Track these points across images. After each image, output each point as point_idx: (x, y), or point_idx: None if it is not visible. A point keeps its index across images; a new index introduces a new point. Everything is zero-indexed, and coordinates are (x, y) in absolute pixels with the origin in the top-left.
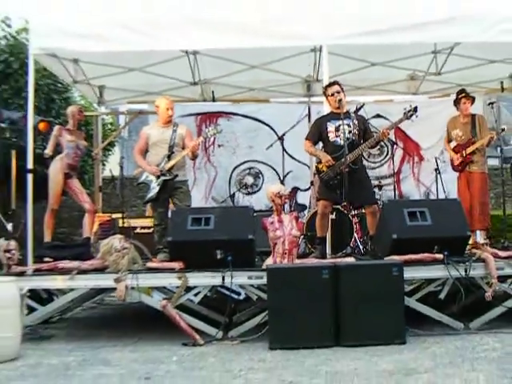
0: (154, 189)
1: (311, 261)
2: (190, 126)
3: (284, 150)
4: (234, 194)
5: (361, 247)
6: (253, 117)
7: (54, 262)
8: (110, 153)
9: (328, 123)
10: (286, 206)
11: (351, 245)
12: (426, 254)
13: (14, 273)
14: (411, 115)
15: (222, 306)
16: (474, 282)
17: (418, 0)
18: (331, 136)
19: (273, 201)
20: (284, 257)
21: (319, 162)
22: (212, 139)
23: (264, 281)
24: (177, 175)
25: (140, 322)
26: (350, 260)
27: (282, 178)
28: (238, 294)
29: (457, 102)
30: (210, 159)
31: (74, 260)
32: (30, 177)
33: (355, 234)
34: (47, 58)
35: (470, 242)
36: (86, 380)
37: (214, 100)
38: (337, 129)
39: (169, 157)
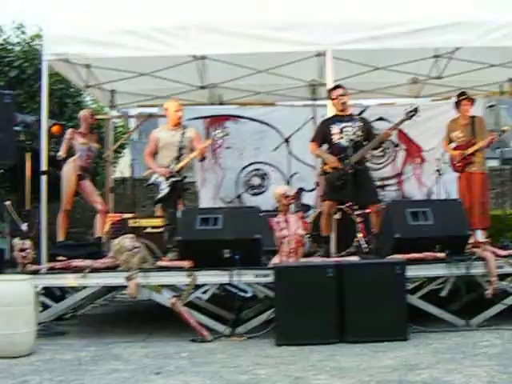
0: (164, 190)
1: (316, 259)
2: (198, 128)
3: (290, 151)
4: (241, 194)
5: (364, 246)
6: (259, 120)
7: (67, 261)
8: (121, 155)
9: (332, 125)
10: (292, 207)
11: (355, 244)
12: (427, 253)
13: (28, 271)
14: (412, 115)
15: (230, 303)
16: (474, 280)
17: (420, 6)
18: (335, 138)
19: (279, 201)
20: (290, 256)
21: (324, 163)
22: (220, 141)
23: (270, 279)
24: (186, 177)
25: (150, 319)
26: (354, 259)
27: (287, 179)
28: (245, 291)
29: (457, 104)
30: (217, 161)
31: (86, 259)
32: (43, 178)
33: (359, 234)
34: (60, 64)
35: (471, 241)
36: (98, 375)
37: (221, 103)
38: (341, 131)
39: (178, 159)
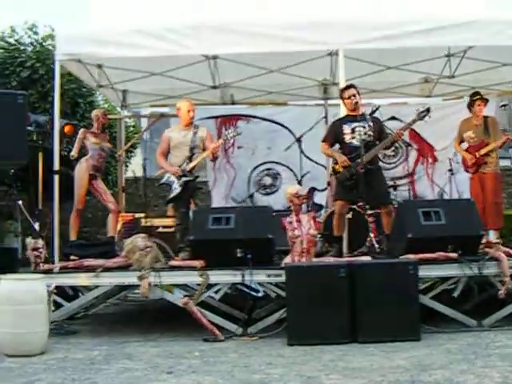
0: (176, 189)
1: (328, 259)
2: (210, 128)
3: (301, 151)
4: (252, 194)
5: (376, 246)
6: (271, 119)
7: (80, 260)
8: (133, 154)
9: (344, 125)
10: (304, 206)
11: (367, 244)
12: (440, 253)
13: (41, 270)
14: (424, 116)
15: (242, 303)
16: (487, 281)
17: (432, 5)
18: (347, 138)
19: (291, 201)
20: (302, 255)
21: (336, 162)
22: (231, 141)
23: (282, 279)
24: (198, 176)
25: (162, 319)
26: (366, 259)
27: (299, 179)
28: (257, 291)
29: (471, 104)
30: (229, 160)
31: (98, 258)
32: (56, 178)
33: (371, 234)
34: (72, 64)
35: (483, 241)
36: (110, 374)
37: (233, 103)
38: (352, 131)
39: (190, 158)
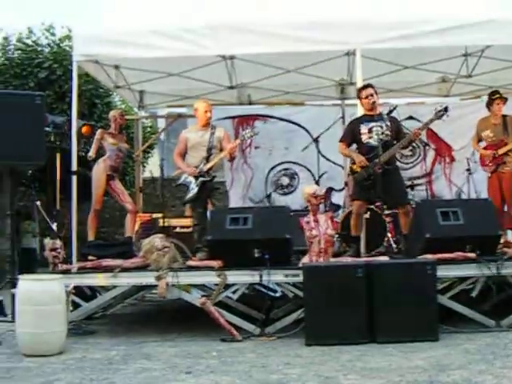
0: (193, 190)
1: (346, 259)
2: (227, 128)
3: (319, 151)
4: (270, 194)
5: (394, 246)
6: (288, 119)
7: (98, 260)
8: (150, 155)
9: (361, 125)
10: (321, 206)
11: (385, 244)
12: (458, 253)
13: (59, 270)
14: (442, 115)
15: (259, 303)
16: (505, 281)
17: (449, 4)
18: (364, 138)
19: (309, 201)
20: (320, 255)
21: (353, 162)
22: (249, 141)
23: (300, 279)
24: (215, 176)
25: (179, 319)
26: (384, 259)
27: (316, 179)
28: (275, 291)
29: (490, 104)
30: (246, 161)
31: (116, 258)
32: (73, 178)
33: (388, 234)
34: (90, 65)
35: (502, 241)
36: (128, 374)
37: (250, 103)
38: (370, 130)
39: (207, 159)
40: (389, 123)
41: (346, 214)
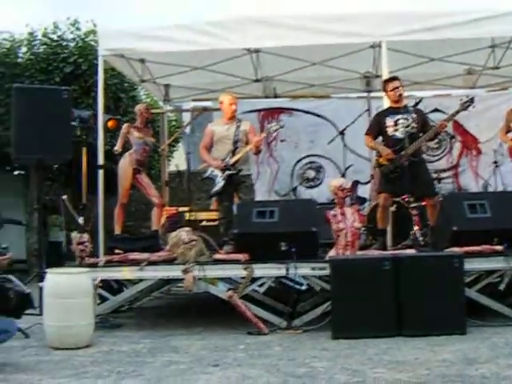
0: (220, 183)
1: (372, 252)
2: (253, 122)
3: (345, 144)
4: (295, 187)
5: (421, 239)
6: (314, 112)
7: (125, 254)
8: (175, 149)
9: (387, 118)
10: (347, 199)
11: (411, 237)
12: (485, 246)
13: (86, 264)
14: (468, 106)
15: (285, 296)
16: None
17: None
18: (390, 130)
19: (335, 194)
20: (346, 248)
21: (379, 155)
22: (274, 134)
23: (327, 272)
24: (241, 170)
25: (205, 312)
26: (411, 252)
27: (342, 172)
28: (301, 284)
29: None
30: (272, 154)
31: (143, 252)
32: (100, 172)
33: (415, 226)
34: (115, 59)
35: None
36: (156, 367)
37: (275, 96)
38: (395, 123)
39: (233, 152)
40: (415, 115)
41: (372, 207)
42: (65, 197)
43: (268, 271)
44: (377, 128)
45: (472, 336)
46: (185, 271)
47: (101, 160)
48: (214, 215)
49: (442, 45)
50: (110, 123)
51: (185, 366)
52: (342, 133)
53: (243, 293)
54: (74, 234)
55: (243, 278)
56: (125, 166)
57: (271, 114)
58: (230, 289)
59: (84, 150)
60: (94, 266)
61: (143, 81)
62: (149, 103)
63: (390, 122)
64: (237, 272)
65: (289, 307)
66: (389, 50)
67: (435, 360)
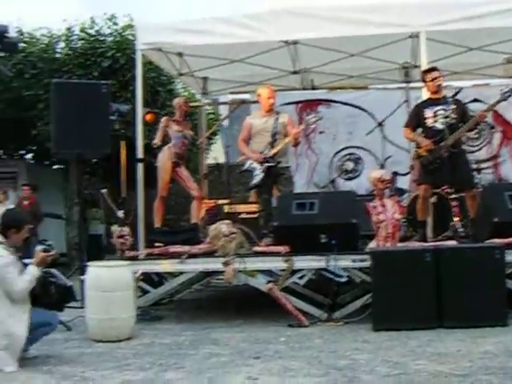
0: (259, 175)
1: (413, 244)
2: (291, 114)
3: (384, 135)
4: (334, 179)
5: (461, 230)
6: (352, 104)
7: (165, 247)
8: (213, 141)
9: (426, 109)
10: (387, 191)
11: (451, 228)
12: None
13: (127, 257)
14: (508, 96)
15: (325, 288)
16: None
17: None
18: (429, 122)
19: (375, 185)
20: (387, 240)
21: (419, 146)
22: (313, 126)
23: (367, 264)
24: (280, 162)
25: (245, 304)
26: (452, 243)
27: (381, 163)
28: (340, 276)
29: None
30: (311, 146)
31: (183, 245)
32: (139, 166)
33: (455, 218)
34: (153, 53)
35: None
36: (198, 359)
37: (313, 88)
38: (435, 114)
39: (272, 144)
40: (454, 106)
41: (412, 199)
42: (104, 190)
43: (308, 263)
44: (416, 120)
45: None
46: (225, 264)
47: (140, 153)
48: (252, 208)
49: (481, 34)
50: (148, 117)
51: (226, 358)
52: (380, 124)
53: (283, 285)
54: (115, 228)
55: (283, 270)
56: (164, 159)
57: (309, 105)
58: (269, 281)
59: (123, 143)
60: (134, 258)
61: (181, 74)
62: (187, 96)
63: (429, 113)
64: (277, 264)
65: (329, 299)
66: (427, 39)
67: (477, 352)
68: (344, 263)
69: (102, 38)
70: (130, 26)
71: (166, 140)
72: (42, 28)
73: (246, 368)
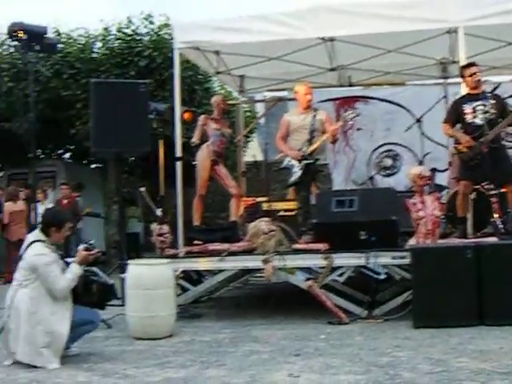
0: (297, 173)
1: (453, 241)
2: (329, 110)
3: (422, 132)
4: (372, 176)
5: (501, 227)
6: (389, 100)
7: (204, 245)
8: (250, 139)
9: (464, 105)
10: (426, 187)
11: (492, 225)
12: None
13: (167, 255)
14: None
15: (364, 285)
16: None
17: None
18: (469, 117)
19: (414, 182)
20: (427, 237)
21: (458, 143)
22: (351, 123)
23: (407, 261)
24: (318, 159)
25: (284, 302)
26: (493, 240)
27: (420, 160)
28: (379, 273)
29: None
30: (348, 143)
31: (221, 242)
32: (178, 164)
33: (495, 214)
34: (190, 51)
35: None
36: (238, 356)
37: (350, 85)
38: (474, 110)
39: (309, 141)
40: (493, 101)
41: (451, 195)
42: (143, 189)
43: (348, 260)
44: (455, 116)
45: None
46: (265, 261)
47: (179, 152)
48: (291, 205)
49: None
50: (185, 115)
51: (266, 355)
52: (419, 120)
53: (323, 282)
54: (154, 226)
55: (322, 267)
56: (203, 157)
57: (347, 102)
58: (308, 278)
59: (161, 142)
60: (174, 257)
61: (218, 72)
62: (224, 95)
63: (468, 108)
64: (316, 261)
65: (368, 297)
66: (465, 35)
67: None
68: (384, 260)
69: (138, 38)
70: (167, 25)
71: (204, 138)
72: (79, 28)
73: (286, 365)
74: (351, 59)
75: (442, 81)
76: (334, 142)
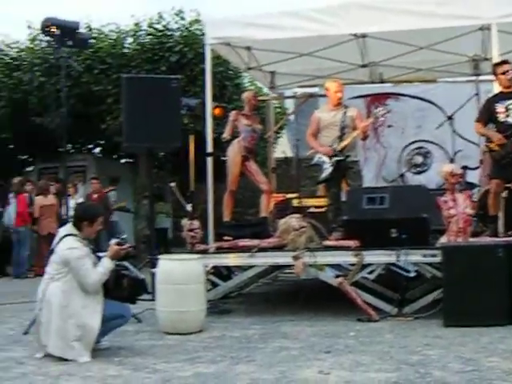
0: (328, 169)
1: (485, 239)
2: (359, 107)
3: (453, 129)
4: (403, 173)
5: None
6: (421, 97)
7: (235, 241)
8: (280, 135)
9: (497, 104)
10: (458, 185)
11: None
12: None
13: (197, 251)
14: None
15: (394, 283)
16: None
17: None
18: (501, 116)
19: (446, 180)
20: (458, 235)
21: (490, 141)
22: (381, 120)
23: (438, 259)
24: (349, 156)
25: (313, 298)
26: None
27: (451, 157)
28: (408, 271)
29: None
30: (379, 140)
31: (252, 238)
32: (209, 160)
33: None
34: (221, 47)
35: None
36: (268, 352)
37: (382, 81)
38: (506, 108)
39: (340, 138)
40: None
41: (482, 193)
42: (173, 184)
43: (378, 258)
44: (487, 114)
45: None
46: (295, 257)
47: (210, 148)
48: (321, 202)
49: None
50: (216, 111)
51: (296, 352)
52: (450, 118)
53: (353, 279)
54: (185, 221)
55: (352, 264)
56: (234, 153)
57: (378, 99)
58: (338, 275)
59: (191, 137)
60: (204, 252)
61: (249, 68)
62: (254, 90)
63: (500, 107)
64: (347, 258)
65: (398, 294)
66: (498, 32)
67: None
68: (414, 258)
69: (169, 33)
70: (197, 21)
71: (234, 134)
72: (110, 24)
73: (317, 362)
74: (383, 56)
75: (473, 78)
76: (365, 138)
